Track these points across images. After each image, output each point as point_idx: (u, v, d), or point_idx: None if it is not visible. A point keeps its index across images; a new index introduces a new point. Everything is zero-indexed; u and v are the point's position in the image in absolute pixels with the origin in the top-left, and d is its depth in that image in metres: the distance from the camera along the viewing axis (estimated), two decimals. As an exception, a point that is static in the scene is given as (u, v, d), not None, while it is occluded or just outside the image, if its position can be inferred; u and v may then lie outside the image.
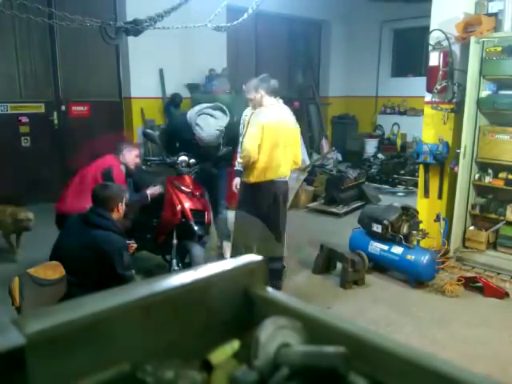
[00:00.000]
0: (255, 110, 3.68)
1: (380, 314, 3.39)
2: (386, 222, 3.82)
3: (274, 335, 0.70)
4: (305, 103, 9.38)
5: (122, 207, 2.79)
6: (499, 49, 3.82)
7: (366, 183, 6.85)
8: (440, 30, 4.01)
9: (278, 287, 3.58)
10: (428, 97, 4.28)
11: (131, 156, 3.82)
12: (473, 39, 3.79)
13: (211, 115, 4.08)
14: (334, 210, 5.98)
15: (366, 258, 3.88)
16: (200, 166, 3.89)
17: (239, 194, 3.78)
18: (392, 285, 3.88)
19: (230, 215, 4.16)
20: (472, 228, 4.32)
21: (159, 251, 3.94)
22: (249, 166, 3.58)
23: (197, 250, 3.49)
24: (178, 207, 3.54)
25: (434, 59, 4.07)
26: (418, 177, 4.78)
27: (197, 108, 4.17)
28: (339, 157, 8.94)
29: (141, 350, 0.72)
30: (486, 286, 3.64)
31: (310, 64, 9.93)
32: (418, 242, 3.79)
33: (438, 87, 4.03)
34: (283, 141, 3.56)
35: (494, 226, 4.19)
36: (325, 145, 9.25)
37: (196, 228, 3.52)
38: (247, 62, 8.52)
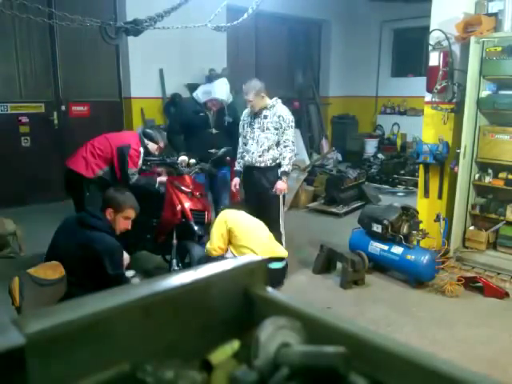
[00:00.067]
0: (271, 110, 3.82)
1: (380, 314, 3.39)
2: (385, 222, 3.82)
3: (273, 335, 0.70)
4: (305, 103, 9.39)
5: (113, 216, 2.76)
6: (499, 49, 3.82)
7: (366, 183, 6.85)
8: (440, 30, 4.01)
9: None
10: (428, 97, 4.28)
11: (154, 147, 3.91)
12: (473, 39, 3.79)
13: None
14: (334, 210, 5.98)
15: (365, 258, 3.88)
16: (202, 165, 3.93)
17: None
18: (392, 285, 3.88)
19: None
20: (472, 228, 4.32)
21: (159, 251, 3.94)
22: None
23: (197, 250, 3.49)
24: (178, 207, 3.54)
25: (434, 59, 4.07)
26: (417, 177, 4.78)
27: (200, 88, 4.44)
28: (339, 157, 8.95)
29: (141, 350, 0.72)
30: (486, 286, 3.64)
31: (310, 64, 9.93)
32: (418, 241, 3.79)
33: (438, 87, 4.03)
34: None
35: (494, 226, 4.19)
36: (325, 145, 9.25)
37: (196, 228, 3.52)
38: (247, 62, 8.51)
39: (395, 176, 7.63)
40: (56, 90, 6.27)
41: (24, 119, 5.96)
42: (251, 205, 4.09)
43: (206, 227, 3.64)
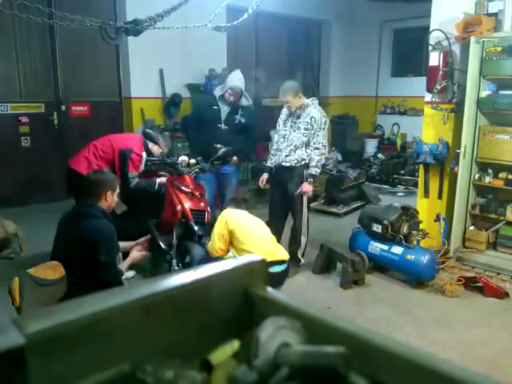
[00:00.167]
0: (305, 111, 3.86)
1: (380, 314, 3.39)
2: (386, 222, 3.82)
3: (273, 335, 0.70)
4: (305, 103, 9.38)
5: (111, 197, 2.79)
6: (499, 49, 3.82)
7: (366, 183, 6.85)
8: (440, 30, 4.01)
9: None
10: (428, 97, 4.28)
11: (157, 150, 3.95)
12: (473, 39, 3.79)
13: None
14: (334, 210, 5.99)
15: (365, 258, 3.88)
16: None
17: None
18: (392, 285, 3.88)
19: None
20: (472, 228, 4.32)
21: (159, 251, 3.94)
22: None
23: (197, 250, 3.49)
24: (178, 207, 3.54)
25: (434, 59, 4.07)
26: (417, 177, 4.78)
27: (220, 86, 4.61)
28: (339, 157, 8.94)
29: (141, 350, 0.72)
30: (486, 286, 3.64)
31: (310, 64, 9.93)
32: (418, 241, 3.79)
33: (438, 87, 4.03)
34: None
35: (494, 226, 4.19)
36: (325, 145, 9.24)
37: (196, 228, 3.52)
38: (247, 62, 8.50)
39: (395, 176, 7.63)
40: (56, 90, 6.27)
41: (24, 119, 5.95)
42: (274, 203, 4.19)
43: (206, 227, 3.65)
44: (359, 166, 7.69)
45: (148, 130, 4.11)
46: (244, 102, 4.33)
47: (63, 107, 6.30)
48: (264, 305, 0.85)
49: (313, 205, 6.23)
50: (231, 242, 3.37)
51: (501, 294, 3.59)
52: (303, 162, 3.90)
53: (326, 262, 4.08)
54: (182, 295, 0.78)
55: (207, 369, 0.73)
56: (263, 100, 8.33)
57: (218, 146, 4.18)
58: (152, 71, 6.88)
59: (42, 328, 0.62)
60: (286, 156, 3.93)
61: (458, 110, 4.08)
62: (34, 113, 6.04)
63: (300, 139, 3.87)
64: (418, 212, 4.00)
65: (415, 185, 6.10)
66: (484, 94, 4.01)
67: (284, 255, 3.47)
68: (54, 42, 6.14)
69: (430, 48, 4.13)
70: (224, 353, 0.76)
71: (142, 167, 3.90)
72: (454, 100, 4.10)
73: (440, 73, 4.01)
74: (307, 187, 3.87)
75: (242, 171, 7.01)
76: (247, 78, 4.81)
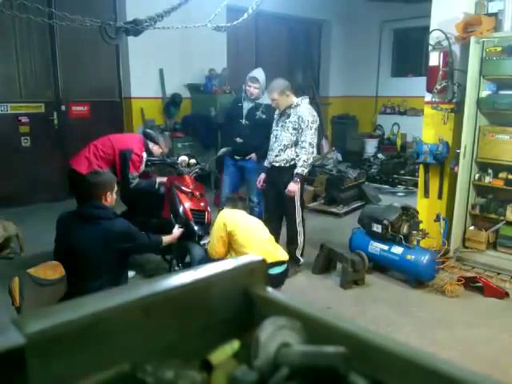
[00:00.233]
0: (294, 110, 3.86)
1: (380, 313, 3.39)
2: (386, 222, 3.82)
3: (273, 335, 0.70)
4: (305, 103, 9.38)
5: (111, 196, 2.82)
6: (499, 49, 3.82)
7: (366, 183, 6.85)
8: (440, 30, 4.01)
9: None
10: (428, 97, 4.28)
11: (157, 150, 3.97)
12: (473, 39, 3.79)
13: None
14: (334, 210, 5.98)
15: (365, 258, 3.88)
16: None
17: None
18: (392, 285, 3.88)
19: None
20: (472, 228, 4.32)
21: (159, 251, 3.94)
22: None
23: (197, 250, 3.49)
24: (179, 207, 3.53)
25: (434, 59, 4.07)
26: (417, 177, 4.78)
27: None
28: (339, 157, 8.94)
29: (141, 350, 0.72)
30: (486, 286, 3.64)
31: (310, 64, 9.93)
32: (418, 241, 3.79)
33: (438, 87, 4.03)
34: None
35: (494, 226, 4.19)
36: (325, 145, 9.24)
37: (196, 228, 3.52)
38: (247, 62, 8.51)
39: (395, 176, 7.62)
40: (56, 90, 6.27)
41: (24, 119, 5.95)
42: (269, 203, 4.22)
43: (206, 227, 3.65)
44: (359, 166, 7.69)
45: (148, 130, 4.11)
46: (266, 99, 4.36)
47: (63, 107, 6.31)
48: (264, 305, 0.85)
49: (313, 205, 6.25)
50: (230, 243, 3.35)
51: (501, 294, 3.59)
52: (292, 162, 3.88)
53: (326, 262, 4.08)
54: (182, 295, 0.78)
55: (207, 369, 0.73)
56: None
57: (238, 139, 4.45)
58: (152, 71, 6.88)
59: (42, 328, 0.62)
60: (276, 156, 3.94)
61: (457, 110, 4.08)
62: (34, 113, 6.05)
63: (289, 139, 3.87)
64: (417, 212, 4.00)
65: (415, 185, 6.10)
66: (484, 93, 4.01)
67: (283, 256, 3.44)
68: (54, 42, 6.14)
69: (430, 48, 4.13)
70: (224, 353, 0.76)
71: (143, 167, 3.90)
72: (454, 100, 4.10)
73: (440, 73, 4.01)
74: (293, 187, 3.84)
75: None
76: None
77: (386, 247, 3.88)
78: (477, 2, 4.03)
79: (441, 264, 3.78)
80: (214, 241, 3.34)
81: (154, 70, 6.91)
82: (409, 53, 9.73)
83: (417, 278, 3.79)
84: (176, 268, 3.55)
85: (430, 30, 4.13)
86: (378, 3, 9.20)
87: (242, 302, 0.86)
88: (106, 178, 2.81)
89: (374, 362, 0.69)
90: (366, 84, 10.05)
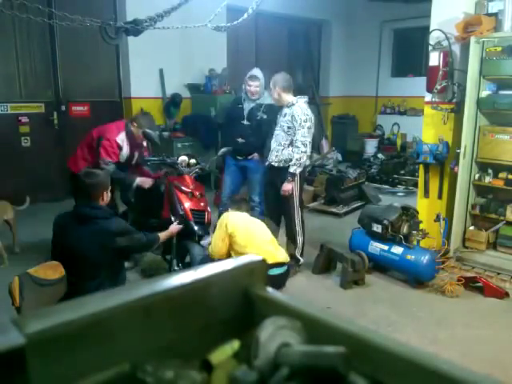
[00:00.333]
0: (290, 109, 3.84)
1: (380, 314, 3.39)
2: (386, 221, 3.82)
3: (273, 335, 0.70)
4: (305, 103, 9.38)
5: (107, 195, 2.83)
6: (499, 49, 3.82)
7: (366, 183, 6.84)
8: (440, 30, 4.01)
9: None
10: (428, 97, 4.28)
11: (133, 129, 3.94)
12: (473, 39, 3.79)
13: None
14: (334, 210, 5.98)
15: (365, 258, 3.88)
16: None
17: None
18: (392, 285, 3.88)
19: None
20: (472, 228, 4.32)
21: (159, 249, 3.94)
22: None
23: (197, 250, 3.49)
24: (179, 207, 3.54)
25: (434, 59, 4.07)
26: (418, 177, 4.78)
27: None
28: (339, 157, 8.94)
29: (141, 350, 0.72)
30: (486, 286, 3.64)
31: (310, 64, 9.93)
32: (418, 241, 3.79)
33: (438, 87, 4.03)
34: None
35: (494, 226, 4.19)
36: (325, 145, 9.25)
37: (196, 228, 3.52)
38: (247, 62, 8.51)
39: (395, 176, 7.62)
40: (56, 90, 6.27)
41: (24, 119, 5.95)
42: (269, 203, 4.23)
43: (206, 227, 3.65)
44: (359, 166, 7.69)
45: (147, 130, 4.04)
46: (267, 99, 4.36)
47: (63, 107, 6.31)
48: (264, 305, 0.85)
49: (313, 205, 6.25)
50: (231, 245, 3.35)
51: (501, 294, 3.59)
52: (291, 163, 3.89)
53: (326, 262, 4.08)
54: (182, 295, 0.78)
55: (207, 369, 0.73)
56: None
57: (240, 140, 4.44)
58: (152, 71, 6.88)
59: (42, 328, 0.62)
60: (276, 156, 3.94)
61: (457, 110, 4.08)
62: (34, 113, 6.05)
63: (284, 138, 3.88)
64: (418, 212, 4.00)
65: (415, 185, 6.10)
66: (484, 93, 4.01)
67: (284, 257, 3.44)
68: (53, 42, 6.14)
69: (430, 48, 4.13)
70: (224, 353, 0.76)
71: (124, 155, 3.90)
72: (454, 100, 4.10)
73: (440, 73, 4.01)
74: (286, 186, 3.84)
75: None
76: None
77: (385, 247, 3.88)
78: (477, 2, 4.03)
79: (441, 264, 3.78)
80: (217, 241, 3.34)
81: (154, 70, 6.91)
82: (409, 53, 9.73)
83: (417, 278, 3.79)
84: (176, 268, 3.55)
85: (430, 30, 4.13)
86: (378, 3, 9.20)
87: (242, 302, 0.86)
88: (100, 179, 2.81)
89: (374, 361, 0.69)
90: (366, 84, 10.05)
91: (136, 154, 4.05)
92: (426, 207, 4.38)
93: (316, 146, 9.34)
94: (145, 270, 4.02)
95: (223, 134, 4.79)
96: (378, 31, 9.82)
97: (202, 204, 3.63)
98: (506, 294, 3.60)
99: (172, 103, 6.94)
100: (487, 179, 4.15)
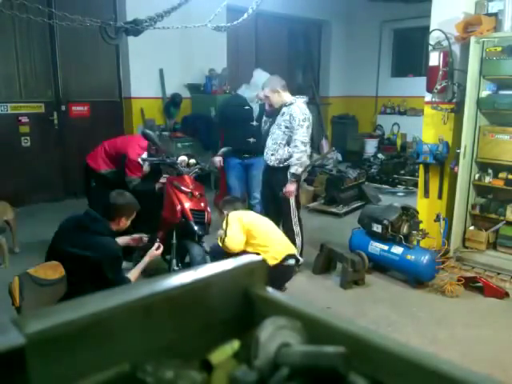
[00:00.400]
0: (288, 109, 3.85)
1: (380, 314, 3.39)
2: (386, 221, 3.82)
3: (273, 335, 0.70)
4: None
5: (124, 222, 2.77)
6: (499, 49, 3.82)
7: (366, 183, 6.84)
8: (440, 30, 4.01)
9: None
10: (428, 97, 4.28)
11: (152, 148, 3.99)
12: (473, 39, 3.79)
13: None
14: (334, 210, 5.98)
15: (365, 258, 3.88)
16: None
17: None
18: (392, 285, 3.88)
19: None
20: (472, 228, 4.32)
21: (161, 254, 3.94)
22: None
23: (197, 250, 3.49)
24: (178, 207, 3.53)
25: (434, 59, 4.07)
26: (417, 177, 4.78)
27: (243, 85, 4.86)
28: (339, 157, 8.94)
29: (141, 350, 0.72)
30: (486, 286, 3.64)
31: (310, 64, 9.93)
32: (418, 241, 3.79)
33: (438, 87, 4.03)
34: None
35: (494, 226, 4.19)
36: (325, 145, 9.24)
37: (196, 228, 3.52)
38: (247, 62, 8.52)
39: (395, 176, 7.62)
40: (56, 90, 6.27)
41: (24, 119, 5.95)
42: (266, 202, 4.24)
43: (206, 227, 3.64)
44: (359, 166, 7.69)
45: (147, 131, 4.09)
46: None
47: (63, 107, 6.31)
48: (264, 305, 0.85)
49: (313, 205, 6.25)
50: (247, 240, 3.43)
51: (501, 294, 3.59)
52: (286, 163, 3.87)
53: (326, 262, 4.08)
54: (182, 295, 0.78)
55: (207, 369, 0.73)
56: (263, 100, 8.35)
57: (251, 140, 4.58)
58: (152, 71, 6.88)
59: (42, 328, 0.62)
60: (272, 155, 3.94)
61: (457, 110, 4.08)
62: (34, 113, 6.05)
63: (281, 137, 3.88)
64: (418, 212, 4.00)
65: (415, 185, 6.10)
66: (484, 93, 4.01)
67: (294, 248, 3.68)
68: (53, 42, 6.14)
69: (430, 48, 4.13)
70: (224, 353, 0.76)
71: (146, 168, 3.99)
72: (454, 100, 4.10)
73: (440, 73, 4.01)
74: (289, 187, 3.84)
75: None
76: (247, 78, 4.83)
77: (385, 247, 3.88)
78: (477, 2, 4.03)
79: (441, 264, 3.78)
80: (237, 234, 3.38)
81: (154, 70, 6.91)
82: (409, 53, 9.73)
83: (417, 278, 3.79)
84: (176, 268, 3.55)
85: (430, 30, 4.13)
86: (378, 3, 9.20)
87: (242, 302, 0.86)
88: (127, 203, 2.73)
89: (374, 361, 0.69)
90: (365, 84, 10.05)
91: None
92: (426, 207, 4.38)
93: (316, 146, 9.35)
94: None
95: (228, 135, 4.76)
96: (377, 31, 9.83)
97: (201, 204, 3.62)
98: (506, 294, 3.60)
99: (172, 103, 6.94)
100: (487, 179, 4.15)
